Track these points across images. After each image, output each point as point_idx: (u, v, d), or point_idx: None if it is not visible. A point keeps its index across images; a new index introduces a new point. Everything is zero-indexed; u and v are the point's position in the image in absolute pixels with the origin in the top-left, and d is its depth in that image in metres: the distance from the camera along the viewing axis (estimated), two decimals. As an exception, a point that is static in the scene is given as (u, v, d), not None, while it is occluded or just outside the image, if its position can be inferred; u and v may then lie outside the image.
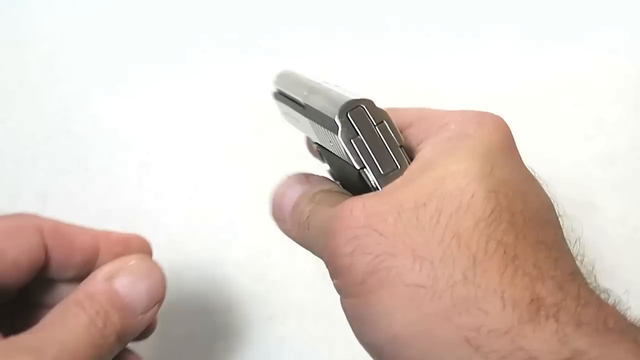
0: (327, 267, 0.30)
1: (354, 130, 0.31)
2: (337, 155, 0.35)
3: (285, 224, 0.35)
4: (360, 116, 0.31)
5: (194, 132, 0.57)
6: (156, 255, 0.38)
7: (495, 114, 0.32)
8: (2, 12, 0.63)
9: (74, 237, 0.36)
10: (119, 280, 0.33)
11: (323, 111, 0.33)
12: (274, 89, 0.37)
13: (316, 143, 0.37)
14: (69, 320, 0.31)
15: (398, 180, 0.30)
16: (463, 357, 0.25)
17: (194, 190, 0.54)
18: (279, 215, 0.36)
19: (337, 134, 0.31)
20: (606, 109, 0.58)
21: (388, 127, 0.32)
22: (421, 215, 0.27)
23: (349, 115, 0.31)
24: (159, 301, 0.34)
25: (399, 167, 0.31)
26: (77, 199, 0.54)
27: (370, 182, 0.32)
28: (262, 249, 0.51)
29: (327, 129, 0.33)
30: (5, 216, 0.35)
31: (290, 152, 0.42)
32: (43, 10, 0.62)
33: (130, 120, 0.59)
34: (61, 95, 0.60)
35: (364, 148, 0.31)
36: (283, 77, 0.37)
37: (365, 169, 0.32)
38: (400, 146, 0.32)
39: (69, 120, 0.59)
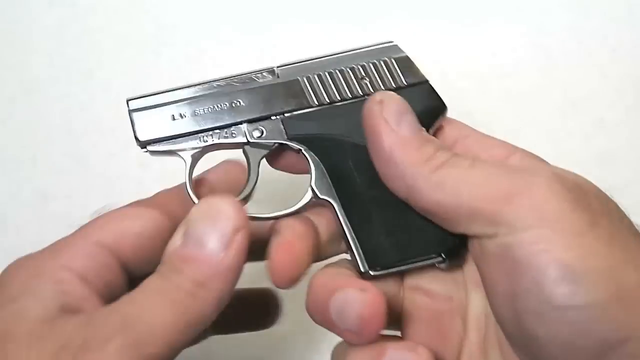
0: (518, 213, 0.30)
1: None
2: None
3: (393, 134, 0.34)
4: None
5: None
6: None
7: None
8: (2, 12, 0.63)
9: None
10: (179, 236, 0.33)
11: None
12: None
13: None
14: (148, 290, 0.32)
15: None
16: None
17: (194, 190, 0.54)
18: (393, 120, 0.34)
19: None
20: (606, 109, 0.58)
21: None
22: (599, 233, 0.29)
23: None
24: (239, 229, 0.32)
25: None
26: (77, 199, 0.54)
27: None
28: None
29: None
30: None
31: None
32: (43, 10, 0.62)
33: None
34: (61, 95, 0.60)
35: None
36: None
37: None
38: None
39: (69, 120, 0.59)
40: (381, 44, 0.39)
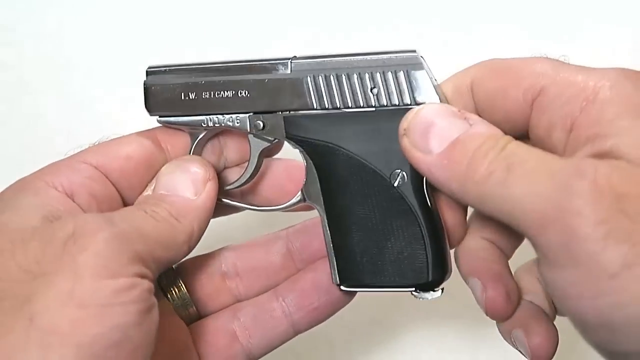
0: (551, 244, 0.26)
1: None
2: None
3: (426, 156, 0.32)
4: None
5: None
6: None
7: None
8: (2, 12, 0.62)
9: None
10: (151, 186, 0.38)
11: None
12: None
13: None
14: (128, 209, 0.36)
15: (615, 163, 0.26)
16: None
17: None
18: (420, 142, 0.32)
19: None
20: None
21: None
22: None
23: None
24: (207, 179, 0.37)
25: None
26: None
27: None
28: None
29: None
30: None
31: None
32: (43, 10, 0.62)
33: (130, 120, 0.58)
34: (61, 95, 0.60)
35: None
36: None
37: None
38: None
39: (69, 120, 0.59)
40: (403, 52, 0.36)
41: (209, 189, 0.37)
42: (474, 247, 0.36)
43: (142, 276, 0.30)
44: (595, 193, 0.25)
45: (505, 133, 0.32)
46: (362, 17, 0.61)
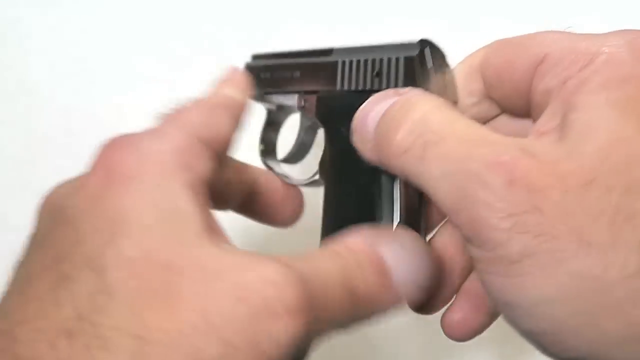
0: (463, 227, 0.26)
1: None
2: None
3: (367, 144, 0.31)
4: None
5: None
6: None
7: None
8: (2, 12, 0.62)
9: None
10: (384, 249, 0.29)
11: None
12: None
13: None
14: (324, 257, 0.28)
15: (554, 145, 0.25)
16: (633, 353, 0.24)
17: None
18: (361, 132, 0.31)
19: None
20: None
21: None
22: (588, 194, 0.24)
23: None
24: (421, 286, 0.30)
25: None
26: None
27: None
28: (265, 248, 0.51)
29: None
30: None
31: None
32: (43, 10, 0.62)
33: (130, 120, 0.58)
34: (61, 95, 0.60)
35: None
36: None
37: None
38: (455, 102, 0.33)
39: (69, 120, 0.59)
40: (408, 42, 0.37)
41: (412, 293, 0.30)
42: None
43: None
44: (509, 188, 0.24)
45: (514, 108, 0.31)
46: (360, 16, 0.61)
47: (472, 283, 0.34)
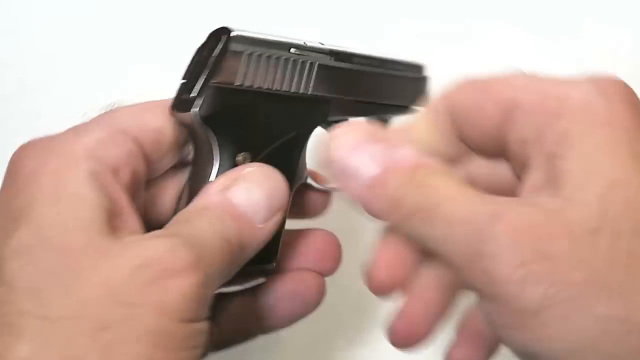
0: (476, 284, 0.26)
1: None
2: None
3: (353, 189, 0.30)
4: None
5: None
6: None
7: (611, 76, 0.29)
8: (2, 12, 0.62)
9: None
10: (233, 190, 0.32)
11: None
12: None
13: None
14: (199, 219, 0.30)
15: (552, 198, 0.26)
16: None
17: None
18: (342, 178, 0.30)
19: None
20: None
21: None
22: (598, 241, 0.24)
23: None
24: (280, 209, 0.32)
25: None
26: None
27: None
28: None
29: None
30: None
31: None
32: (43, 10, 0.62)
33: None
34: (61, 95, 0.60)
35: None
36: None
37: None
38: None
39: (69, 120, 0.59)
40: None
41: (277, 221, 0.33)
42: None
43: (207, 318, 0.29)
44: (513, 236, 0.25)
45: (486, 150, 0.31)
46: (359, 16, 0.61)
47: (470, 321, 0.33)
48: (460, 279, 0.28)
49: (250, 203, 0.31)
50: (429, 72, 0.43)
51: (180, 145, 0.35)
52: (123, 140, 0.32)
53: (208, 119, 0.34)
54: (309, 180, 0.40)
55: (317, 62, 0.38)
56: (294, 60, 0.37)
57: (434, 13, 0.61)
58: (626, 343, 0.23)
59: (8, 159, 0.32)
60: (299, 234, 0.40)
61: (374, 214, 0.30)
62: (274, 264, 0.37)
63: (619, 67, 0.60)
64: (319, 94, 0.38)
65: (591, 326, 0.24)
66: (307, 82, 0.38)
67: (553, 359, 0.25)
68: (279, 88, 0.36)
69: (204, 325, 0.28)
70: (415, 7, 0.61)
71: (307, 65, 0.37)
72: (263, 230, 0.32)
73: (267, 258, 0.36)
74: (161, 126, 0.34)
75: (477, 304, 0.28)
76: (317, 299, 0.39)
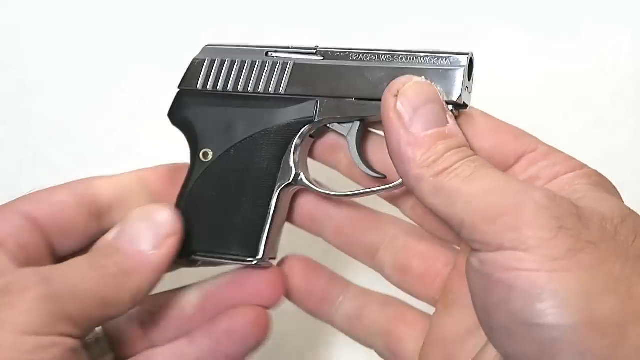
0: (497, 234, 0.30)
1: None
2: None
3: (403, 129, 0.33)
4: None
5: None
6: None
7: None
8: (2, 13, 0.62)
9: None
10: (111, 232, 0.36)
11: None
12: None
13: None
14: (74, 262, 0.35)
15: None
16: None
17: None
18: (407, 116, 0.33)
19: None
20: (606, 108, 0.58)
21: None
22: (617, 233, 0.30)
23: None
24: (170, 235, 0.36)
25: None
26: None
27: None
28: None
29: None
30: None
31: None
32: (43, 11, 0.62)
33: (131, 120, 0.59)
34: (61, 95, 0.60)
35: None
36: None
37: None
38: None
39: (69, 120, 0.59)
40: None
41: (170, 245, 0.36)
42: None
43: (68, 335, 0.31)
44: (553, 200, 0.30)
45: None
46: (359, 16, 0.61)
47: None
48: (473, 231, 0.30)
49: (130, 237, 0.36)
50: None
51: (94, 218, 0.38)
52: (11, 216, 0.36)
53: (174, 119, 0.41)
54: (305, 182, 0.39)
55: (292, 62, 0.38)
56: (263, 62, 0.39)
57: (434, 13, 0.61)
58: (629, 304, 0.28)
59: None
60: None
61: (406, 160, 0.33)
62: (254, 262, 0.39)
63: (619, 67, 0.60)
64: (295, 94, 0.38)
65: (607, 280, 0.28)
66: (279, 83, 0.39)
67: (562, 299, 0.28)
68: (242, 90, 0.39)
69: (54, 340, 0.31)
70: (415, 7, 0.61)
71: (279, 66, 0.39)
72: (156, 255, 0.36)
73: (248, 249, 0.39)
74: (60, 201, 0.37)
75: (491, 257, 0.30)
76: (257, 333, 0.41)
